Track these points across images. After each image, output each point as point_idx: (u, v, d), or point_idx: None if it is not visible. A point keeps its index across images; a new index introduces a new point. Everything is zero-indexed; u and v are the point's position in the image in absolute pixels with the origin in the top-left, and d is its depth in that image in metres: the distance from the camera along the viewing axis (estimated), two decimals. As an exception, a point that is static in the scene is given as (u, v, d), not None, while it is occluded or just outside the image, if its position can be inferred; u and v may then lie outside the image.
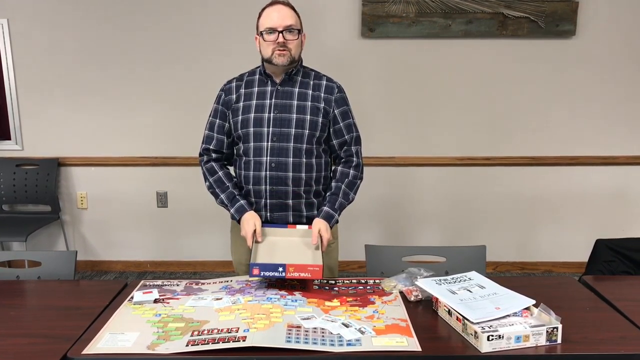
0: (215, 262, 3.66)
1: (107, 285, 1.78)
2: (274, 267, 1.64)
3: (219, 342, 1.33)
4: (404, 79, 3.42)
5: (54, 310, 1.58)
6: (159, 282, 1.78)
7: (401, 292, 1.67)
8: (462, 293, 1.55)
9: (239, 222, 1.87)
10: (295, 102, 1.87)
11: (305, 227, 1.85)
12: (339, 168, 1.95)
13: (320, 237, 1.79)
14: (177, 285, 1.76)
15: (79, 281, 1.91)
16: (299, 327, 1.42)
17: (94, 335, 1.40)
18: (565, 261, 3.63)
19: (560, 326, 1.35)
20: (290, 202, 1.89)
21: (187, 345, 1.33)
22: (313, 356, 1.30)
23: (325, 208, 1.87)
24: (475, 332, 1.34)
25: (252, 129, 1.87)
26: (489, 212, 3.58)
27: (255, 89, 1.90)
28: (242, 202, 1.87)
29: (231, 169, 2.00)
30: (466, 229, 3.61)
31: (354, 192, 1.94)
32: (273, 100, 1.87)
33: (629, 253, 2.37)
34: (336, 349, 1.32)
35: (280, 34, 1.79)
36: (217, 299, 1.61)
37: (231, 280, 1.78)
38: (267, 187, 1.87)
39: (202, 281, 1.79)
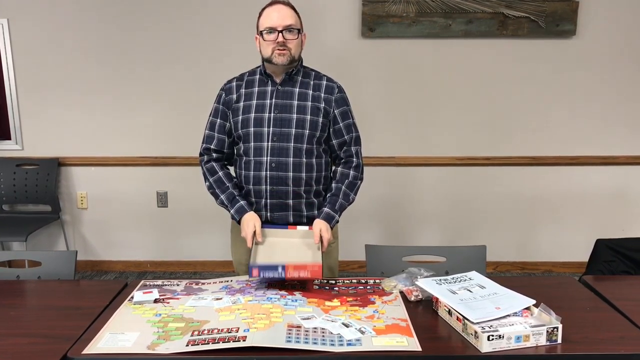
0: (215, 262, 3.66)
1: (107, 285, 1.78)
2: (273, 267, 1.64)
3: (219, 342, 1.33)
4: (404, 79, 3.42)
5: (54, 310, 1.58)
6: (159, 282, 1.78)
7: (401, 292, 1.67)
8: (462, 293, 1.55)
9: (239, 222, 1.87)
10: (296, 102, 1.87)
11: (306, 228, 1.85)
12: (339, 169, 1.95)
13: (321, 237, 1.79)
14: (177, 285, 1.76)
15: (79, 281, 1.91)
16: (299, 327, 1.42)
17: (94, 335, 1.40)
18: (565, 261, 3.63)
19: (560, 326, 1.35)
20: (290, 202, 1.89)
21: (187, 345, 1.33)
22: (313, 356, 1.30)
23: (326, 209, 1.87)
24: (476, 332, 1.34)
25: (252, 128, 1.87)
26: (489, 212, 3.58)
27: (256, 89, 1.90)
28: (242, 202, 1.87)
29: (231, 169, 2.00)
30: (466, 229, 3.61)
31: (354, 193, 1.94)
32: (273, 100, 1.87)
33: (629, 253, 2.37)
34: (336, 348, 1.32)
35: (280, 34, 1.79)
36: (217, 299, 1.61)
37: (231, 280, 1.78)
38: (268, 187, 1.87)
39: (202, 281, 1.79)
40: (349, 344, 1.34)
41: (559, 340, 1.35)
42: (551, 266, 3.65)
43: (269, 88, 1.89)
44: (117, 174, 3.57)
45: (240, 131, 1.89)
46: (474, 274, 1.70)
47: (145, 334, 1.40)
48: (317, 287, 1.72)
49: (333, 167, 1.99)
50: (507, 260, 3.64)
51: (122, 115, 3.49)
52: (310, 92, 1.89)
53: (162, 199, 3.59)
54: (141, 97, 3.47)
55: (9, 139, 3.53)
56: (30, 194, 3.51)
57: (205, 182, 1.96)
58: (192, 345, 1.33)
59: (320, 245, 1.78)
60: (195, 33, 3.38)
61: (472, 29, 3.30)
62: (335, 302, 1.59)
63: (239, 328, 1.40)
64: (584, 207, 3.57)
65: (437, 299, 1.53)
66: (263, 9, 1.85)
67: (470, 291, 1.57)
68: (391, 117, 3.47)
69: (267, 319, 1.46)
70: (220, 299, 1.61)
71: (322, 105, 1.89)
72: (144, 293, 1.65)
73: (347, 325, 1.43)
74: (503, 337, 1.32)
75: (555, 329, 1.35)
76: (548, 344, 1.35)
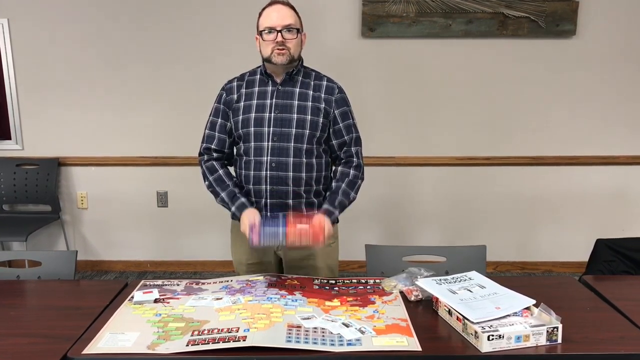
0: (215, 262, 3.66)
1: (107, 285, 1.78)
2: (274, 233, 1.66)
3: (219, 342, 1.33)
4: (404, 79, 3.42)
5: (54, 310, 1.58)
6: (159, 282, 1.78)
7: (401, 292, 1.67)
8: (462, 293, 1.55)
9: (239, 220, 1.87)
10: (296, 102, 1.87)
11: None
12: (339, 168, 1.95)
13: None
14: (177, 285, 1.76)
15: (79, 281, 1.91)
16: (299, 327, 1.42)
17: (94, 335, 1.40)
18: (565, 261, 3.63)
19: (560, 326, 1.35)
20: (290, 201, 1.89)
21: (187, 345, 1.33)
22: (313, 356, 1.30)
23: (325, 206, 1.87)
24: (476, 332, 1.34)
25: (252, 128, 1.87)
26: (489, 212, 3.58)
27: (256, 89, 1.90)
28: (243, 199, 1.87)
29: (231, 169, 2.00)
30: (466, 229, 3.61)
31: (355, 192, 1.93)
32: (274, 100, 1.87)
33: (629, 253, 2.37)
34: (336, 348, 1.32)
35: (279, 34, 1.79)
36: (218, 299, 1.61)
37: (231, 280, 1.78)
38: (268, 186, 1.87)
39: (202, 281, 1.79)
40: (349, 344, 1.34)
41: (559, 340, 1.36)
42: (551, 266, 3.65)
43: (270, 88, 1.89)
44: (117, 174, 3.57)
45: (240, 131, 1.89)
46: (474, 274, 1.70)
47: (146, 334, 1.40)
48: (317, 286, 1.72)
49: (333, 167, 1.99)
50: (507, 260, 3.64)
51: (122, 115, 3.49)
52: (311, 92, 1.89)
53: (162, 199, 3.59)
54: (141, 97, 3.47)
55: (9, 138, 3.53)
56: (31, 194, 3.51)
57: (205, 180, 1.96)
58: (192, 345, 1.33)
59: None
60: (195, 33, 3.38)
61: (472, 29, 3.30)
62: (336, 302, 1.59)
63: (239, 328, 1.40)
64: (584, 207, 3.57)
65: (437, 298, 1.53)
66: (263, 9, 1.85)
67: (470, 291, 1.57)
68: (391, 117, 3.47)
69: (267, 319, 1.46)
70: (221, 298, 1.61)
71: (322, 105, 1.89)
72: (144, 293, 1.65)
73: (347, 325, 1.43)
74: (503, 337, 1.32)
75: (555, 329, 1.35)
76: (548, 344, 1.35)
